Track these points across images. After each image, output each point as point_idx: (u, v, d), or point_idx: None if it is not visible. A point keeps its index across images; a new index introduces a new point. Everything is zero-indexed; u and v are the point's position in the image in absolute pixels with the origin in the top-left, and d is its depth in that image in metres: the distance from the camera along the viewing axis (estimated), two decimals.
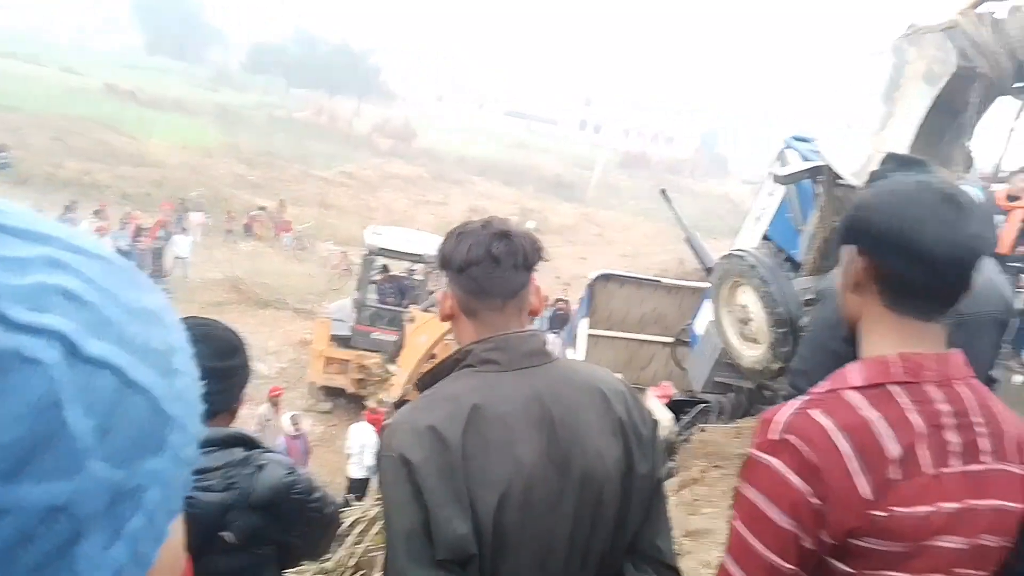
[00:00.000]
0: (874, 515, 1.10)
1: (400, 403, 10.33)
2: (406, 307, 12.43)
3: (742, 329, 4.60)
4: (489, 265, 1.41)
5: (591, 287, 7.04)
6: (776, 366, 4.36)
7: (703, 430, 5.07)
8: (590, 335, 7.08)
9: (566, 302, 16.72)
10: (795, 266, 4.96)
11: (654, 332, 7.17)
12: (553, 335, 16.00)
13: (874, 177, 2.47)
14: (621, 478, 1.42)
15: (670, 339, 6.73)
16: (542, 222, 29.48)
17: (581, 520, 1.38)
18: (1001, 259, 6.10)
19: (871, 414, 1.13)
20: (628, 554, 1.48)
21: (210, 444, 1.68)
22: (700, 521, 3.96)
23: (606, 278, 7.04)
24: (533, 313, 1.50)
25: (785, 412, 1.17)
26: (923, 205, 1.15)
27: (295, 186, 31.41)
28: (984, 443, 1.15)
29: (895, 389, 1.14)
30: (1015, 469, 1.17)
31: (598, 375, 1.52)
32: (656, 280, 7.41)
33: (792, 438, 1.12)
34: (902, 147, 4.07)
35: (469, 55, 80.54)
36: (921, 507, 1.11)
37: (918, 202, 1.16)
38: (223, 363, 1.74)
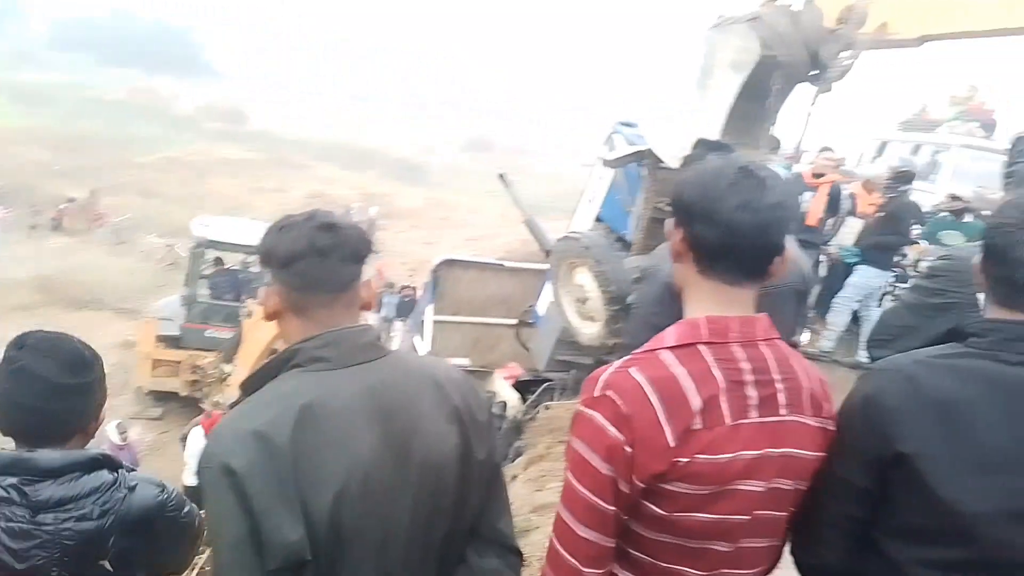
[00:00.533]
0: (677, 460, 1.22)
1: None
2: (242, 301, 11.81)
3: (580, 308, 4.77)
4: (315, 258, 1.35)
5: (436, 273, 7.03)
6: (612, 341, 4.56)
7: (548, 407, 5.23)
8: (436, 321, 7.08)
9: (413, 288, 16.64)
10: (626, 245, 5.20)
11: (500, 314, 7.29)
12: (400, 322, 15.91)
13: (687, 160, 2.64)
14: (459, 464, 1.43)
15: (515, 321, 6.86)
16: (387, 206, 29.05)
17: (421, 509, 1.38)
18: (810, 231, 6.73)
19: (679, 370, 1.25)
20: (470, 539, 1.50)
21: (74, 469, 1.56)
22: (547, 496, 4.09)
23: (450, 263, 7.06)
24: (365, 307, 1.46)
25: (607, 371, 1.29)
26: (725, 179, 1.27)
27: (111, 174, 28.81)
28: (782, 397, 1.28)
29: (703, 348, 1.27)
30: (808, 421, 1.31)
31: (434, 365, 1.52)
32: (500, 264, 7.53)
33: (610, 392, 1.24)
34: (715, 131, 4.36)
35: (306, 33, 77.35)
36: (721, 454, 1.23)
37: (720, 176, 1.28)
38: (75, 379, 1.62)
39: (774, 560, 1.39)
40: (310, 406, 1.29)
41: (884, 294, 7.23)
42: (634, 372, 1.25)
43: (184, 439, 9.16)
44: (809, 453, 1.31)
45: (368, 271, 1.50)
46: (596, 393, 1.26)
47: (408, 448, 1.36)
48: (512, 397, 5.97)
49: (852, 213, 7.16)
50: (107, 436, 9.08)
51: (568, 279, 4.88)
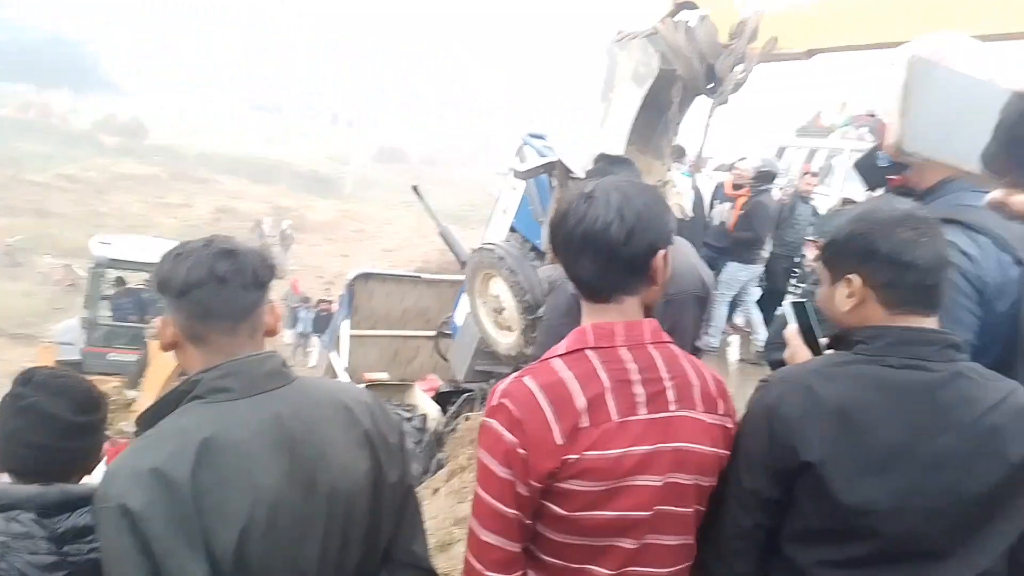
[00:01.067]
0: (567, 458, 1.28)
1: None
2: (147, 322, 11.31)
3: (496, 318, 4.81)
4: (214, 286, 1.32)
5: (351, 287, 6.94)
6: (529, 350, 4.62)
7: (468, 418, 5.24)
8: (353, 335, 6.98)
9: (329, 302, 16.36)
10: (540, 255, 5.28)
11: (417, 327, 7.25)
12: (317, 337, 15.58)
13: (589, 175, 2.72)
14: (371, 490, 1.42)
15: (433, 332, 6.84)
16: (299, 220, 28.46)
17: (331, 538, 1.36)
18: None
19: (566, 374, 1.32)
20: (384, 563, 1.50)
21: (86, 502, 1.50)
22: (468, 508, 4.09)
23: (366, 277, 6.98)
24: (270, 333, 1.44)
25: (504, 382, 1.37)
26: (570, 205, 1.38)
27: (2, 193, 27.11)
28: (671, 394, 1.35)
29: (590, 352, 1.35)
30: (701, 416, 1.38)
31: (342, 389, 1.51)
32: (416, 276, 7.50)
33: (505, 400, 1.32)
34: (620, 142, 4.50)
35: (207, 44, 74.83)
36: (611, 450, 1.30)
37: (567, 202, 1.39)
38: (87, 418, 1.60)
39: (688, 558, 1.43)
40: (211, 440, 1.25)
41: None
42: (527, 380, 1.33)
43: None
44: (706, 448, 1.37)
45: (273, 295, 1.49)
46: (494, 403, 1.34)
47: (316, 478, 1.34)
48: (432, 409, 5.96)
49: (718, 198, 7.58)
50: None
51: (484, 290, 4.91)
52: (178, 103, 67.98)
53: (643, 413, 1.32)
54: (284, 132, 60.02)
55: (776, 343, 2.38)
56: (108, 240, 12.83)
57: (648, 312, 1.42)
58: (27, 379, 1.60)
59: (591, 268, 1.36)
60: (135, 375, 10.49)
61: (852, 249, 1.40)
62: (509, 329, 4.77)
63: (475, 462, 4.48)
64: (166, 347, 1.41)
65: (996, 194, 1.34)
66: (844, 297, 1.41)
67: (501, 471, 1.30)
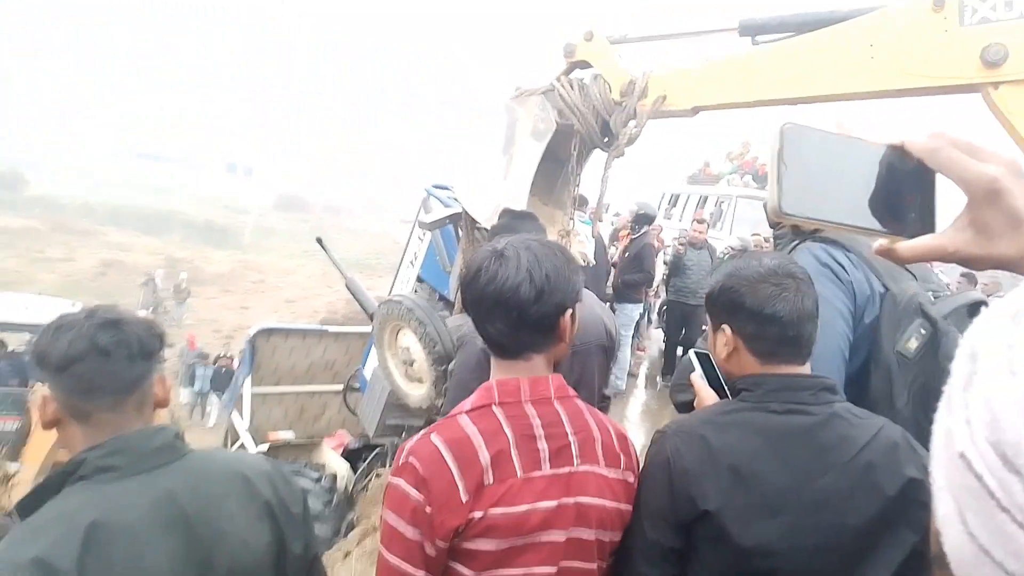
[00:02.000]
0: (473, 516, 1.30)
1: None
2: (29, 386, 10.53)
3: (407, 370, 4.78)
4: (96, 359, 1.28)
5: (252, 343, 6.72)
6: (439, 402, 4.61)
7: (379, 475, 5.14)
8: (255, 393, 6.74)
9: (229, 358, 15.71)
10: (448, 305, 5.31)
11: (325, 381, 7.08)
12: (216, 396, 14.89)
13: (494, 230, 2.79)
14: (274, 563, 1.39)
15: (341, 387, 6.71)
16: (195, 272, 27.32)
17: None
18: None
19: (471, 430, 1.34)
20: None
21: None
22: None
23: (268, 332, 6.78)
24: (160, 405, 1.40)
25: (412, 440, 1.38)
26: (481, 264, 1.43)
27: None
28: (574, 449, 1.39)
29: (496, 409, 1.38)
30: (603, 471, 1.41)
31: (240, 459, 1.47)
32: (322, 329, 7.34)
33: (411, 459, 1.32)
34: (522, 193, 4.63)
35: (85, 91, 71.63)
36: (516, 506, 1.32)
37: (479, 261, 1.44)
38: None
39: None
40: (99, 524, 1.19)
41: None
42: (433, 437, 1.34)
43: None
44: (607, 503, 1.40)
45: (166, 354, 1.44)
46: (401, 461, 1.35)
47: (213, 557, 1.29)
48: (342, 467, 5.82)
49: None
50: None
51: (393, 342, 4.89)
52: (60, 152, 64.63)
53: (547, 469, 1.34)
54: (174, 180, 57.93)
55: (680, 384, 2.50)
56: None
57: (556, 367, 1.46)
58: None
59: (501, 327, 1.39)
60: (16, 444, 9.72)
61: (722, 302, 1.52)
62: (420, 381, 4.76)
63: None
64: (47, 425, 1.35)
65: (882, 241, 1.48)
66: (721, 345, 1.52)
67: (408, 531, 1.30)
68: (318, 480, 5.47)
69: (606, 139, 4.75)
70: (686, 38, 4.53)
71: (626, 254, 7.35)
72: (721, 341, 1.51)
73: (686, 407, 2.51)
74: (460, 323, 5.02)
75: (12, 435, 10.08)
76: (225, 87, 70.89)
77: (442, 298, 5.48)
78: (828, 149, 0.77)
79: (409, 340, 4.72)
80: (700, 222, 8.71)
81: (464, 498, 1.29)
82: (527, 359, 1.41)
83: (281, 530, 1.41)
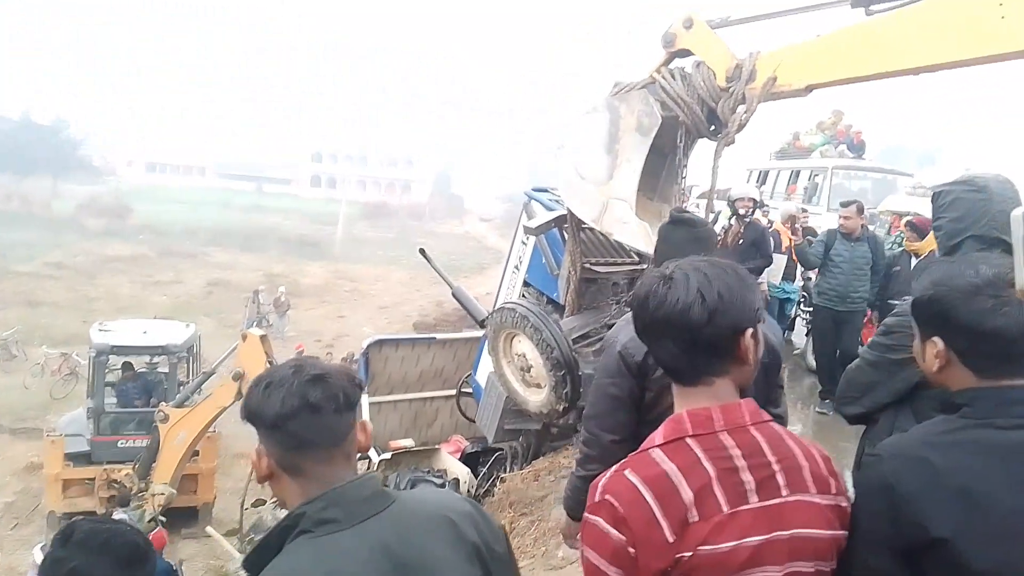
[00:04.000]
0: (680, 556, 1.23)
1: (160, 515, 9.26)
2: (154, 406, 11.18)
3: (524, 376, 4.79)
4: (308, 416, 1.29)
5: (366, 355, 6.91)
6: (561, 406, 4.59)
7: (503, 479, 5.17)
8: (371, 403, 6.93)
9: None
10: (557, 308, 5.29)
11: (435, 387, 7.22)
12: None
13: (660, 234, 2.70)
14: None
15: (451, 392, 6.81)
16: (292, 285, 28.36)
17: None
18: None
19: (668, 466, 1.28)
20: None
21: None
22: None
23: (380, 343, 6.95)
24: (362, 450, 1.42)
25: (605, 476, 1.33)
26: (649, 288, 1.37)
27: None
28: (780, 478, 1.30)
29: (690, 441, 1.30)
30: (814, 499, 1.32)
31: (443, 502, 1.48)
32: (431, 337, 7.48)
33: (608, 497, 1.28)
34: (630, 192, 4.55)
35: (178, 118, 75.59)
36: (724, 543, 1.24)
37: (647, 285, 1.37)
38: (131, 574, 1.54)
39: None
40: None
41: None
42: (628, 473, 1.29)
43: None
44: (823, 532, 1.31)
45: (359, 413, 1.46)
46: (596, 499, 1.30)
47: None
48: (463, 472, 5.90)
49: (778, 250, 7.52)
50: (33, 560, 8.51)
51: (508, 350, 4.90)
52: (160, 179, 68.50)
53: (754, 501, 1.27)
54: (266, 199, 60.34)
55: (848, 396, 2.37)
56: (108, 327, 12.74)
57: (743, 392, 1.39)
58: (66, 538, 1.54)
59: (674, 351, 1.34)
60: (146, 462, 10.32)
61: (932, 314, 1.41)
62: (538, 386, 4.75)
63: (517, 525, 4.44)
64: (261, 479, 1.39)
65: None
66: (931, 357, 1.41)
67: (611, 570, 1.26)
68: (441, 486, 5.57)
69: (712, 128, 4.62)
70: (793, 15, 4.34)
71: (739, 241, 6.85)
72: (931, 353, 1.41)
73: (859, 420, 2.38)
74: (573, 325, 5.00)
75: (143, 451, 10.70)
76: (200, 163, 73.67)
77: (550, 301, 5.47)
78: None
79: (525, 347, 4.72)
80: (847, 206, 6.71)
81: (670, 538, 1.23)
82: (709, 384, 1.34)
83: (489, 571, 1.40)
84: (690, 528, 1.23)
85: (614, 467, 1.35)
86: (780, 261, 7.67)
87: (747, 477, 1.28)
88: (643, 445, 1.36)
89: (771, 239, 7.19)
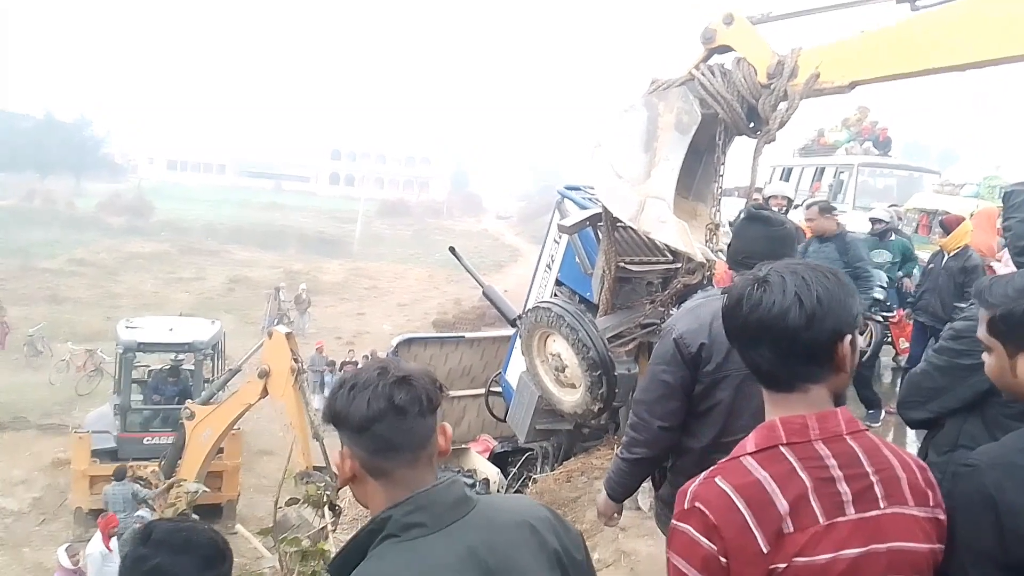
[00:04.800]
0: (775, 567, 1.19)
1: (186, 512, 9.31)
2: (180, 403, 11.26)
3: (558, 376, 4.75)
4: (395, 418, 1.27)
5: (395, 353, 6.90)
6: (596, 407, 4.55)
7: (535, 480, 5.14)
8: None
9: (355, 363, 16.27)
10: (591, 307, 5.24)
11: (463, 386, 7.20)
12: None
13: (734, 231, 2.67)
14: None
15: (479, 391, 6.78)
16: (311, 282, 28.45)
17: None
18: None
19: (762, 474, 1.24)
20: None
21: None
22: None
23: (408, 342, 6.95)
24: (442, 455, 1.39)
25: (694, 483, 1.29)
26: (743, 291, 1.32)
27: (14, 283, 27.27)
28: (878, 489, 1.26)
29: (784, 449, 1.26)
30: (912, 511, 1.28)
31: (522, 507, 1.46)
32: (459, 336, 7.46)
33: (698, 504, 1.24)
34: (668, 191, 4.49)
35: (198, 116, 76.15)
36: (820, 555, 1.20)
37: (740, 288, 1.33)
38: (213, 573, 1.56)
39: None
40: None
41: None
42: (719, 481, 1.26)
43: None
44: (921, 545, 1.27)
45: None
46: (686, 506, 1.27)
47: None
48: (493, 472, 5.88)
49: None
50: (58, 561, 8.56)
51: (542, 349, 4.87)
52: (181, 177, 69.11)
53: (851, 513, 1.23)
54: (285, 196, 60.69)
55: (912, 401, 2.31)
56: (134, 323, 12.85)
57: (838, 401, 1.35)
58: (147, 536, 1.55)
59: (770, 356, 1.29)
60: (171, 459, 10.39)
61: None
62: (573, 387, 4.71)
63: None
64: (344, 482, 1.37)
65: None
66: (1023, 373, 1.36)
67: None
68: (472, 486, 5.55)
69: (752, 125, 4.55)
70: (836, 11, 4.27)
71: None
72: (1023, 368, 1.35)
73: (923, 424, 2.33)
74: (608, 325, 4.96)
75: (169, 448, 10.77)
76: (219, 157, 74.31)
77: (583, 300, 5.42)
78: None
79: (560, 346, 4.68)
80: (810, 207, 6.46)
81: (764, 549, 1.19)
82: (804, 391, 1.30)
83: None
84: (785, 539, 1.20)
85: (703, 474, 1.31)
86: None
87: (844, 488, 1.24)
88: (734, 452, 1.33)
89: (799, 238, 7.06)
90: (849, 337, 1.29)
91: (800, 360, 1.28)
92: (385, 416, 1.27)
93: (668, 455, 2.62)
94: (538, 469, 5.46)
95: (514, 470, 5.74)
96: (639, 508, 4.44)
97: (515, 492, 5.53)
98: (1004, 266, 6.37)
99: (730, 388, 2.38)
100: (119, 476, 10.30)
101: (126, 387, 12.04)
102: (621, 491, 2.76)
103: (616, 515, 2.85)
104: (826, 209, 6.50)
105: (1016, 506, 1.24)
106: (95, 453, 11.36)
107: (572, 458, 5.34)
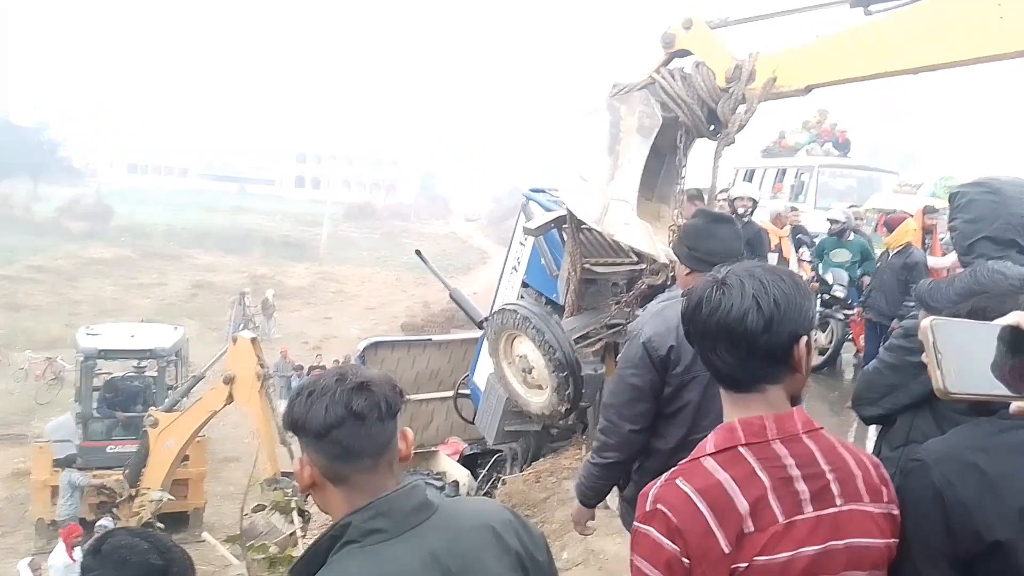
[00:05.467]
0: (736, 567, 1.22)
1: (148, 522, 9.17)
2: (143, 411, 11.07)
3: (525, 378, 4.77)
4: (353, 424, 1.28)
5: (362, 358, 6.87)
6: (563, 407, 4.58)
7: (504, 481, 5.16)
8: None
9: (322, 367, 16.15)
10: (556, 308, 5.28)
11: (431, 389, 7.18)
12: None
13: (699, 232, 2.69)
14: None
15: (448, 394, 6.78)
16: (277, 287, 28.19)
17: None
18: None
19: (722, 476, 1.26)
20: None
21: None
22: None
23: (376, 346, 6.92)
24: (404, 459, 1.40)
25: (656, 485, 1.30)
26: (703, 293, 1.34)
27: None
28: (835, 488, 1.29)
29: (743, 450, 1.29)
30: (867, 508, 1.31)
31: (484, 510, 1.47)
32: (427, 339, 7.45)
33: (661, 506, 1.26)
34: (631, 193, 4.54)
35: (159, 118, 74.65)
36: (780, 554, 1.23)
37: (700, 291, 1.35)
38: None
39: None
40: None
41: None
42: (680, 483, 1.28)
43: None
44: (877, 541, 1.31)
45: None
46: (648, 508, 1.29)
47: None
48: (463, 474, 5.88)
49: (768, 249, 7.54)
50: (19, 575, 8.39)
51: (509, 350, 4.88)
52: (142, 181, 67.81)
53: (809, 511, 1.26)
54: (250, 200, 59.92)
55: (867, 398, 2.37)
56: (95, 330, 12.61)
57: (795, 401, 1.37)
58: (97, 548, 1.58)
59: (729, 359, 1.31)
60: (136, 468, 10.23)
61: None
62: (540, 388, 4.74)
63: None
64: (304, 489, 1.38)
65: (1020, 404, 1.26)
66: None
67: None
68: (441, 489, 5.55)
69: (712, 128, 4.63)
70: (792, 15, 4.36)
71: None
72: None
73: (877, 420, 2.39)
74: (574, 326, 5.00)
75: (133, 457, 10.59)
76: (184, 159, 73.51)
77: (550, 302, 5.46)
78: (966, 335, 0.95)
79: (526, 348, 4.70)
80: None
81: (726, 550, 1.21)
82: (762, 392, 1.32)
83: None
84: (746, 539, 1.22)
85: (664, 475, 1.33)
86: (771, 260, 7.74)
87: (802, 487, 1.27)
88: (694, 453, 1.35)
89: (767, 239, 7.22)
90: (805, 339, 1.32)
91: (759, 361, 1.30)
92: (343, 422, 1.27)
93: (637, 458, 2.65)
94: (507, 470, 5.48)
95: (484, 472, 5.75)
96: (607, 507, 4.48)
97: (485, 494, 5.55)
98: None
99: (698, 389, 2.42)
100: (67, 463, 10.29)
101: (87, 395, 11.81)
102: (593, 496, 2.80)
103: (591, 520, 2.89)
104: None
105: (963, 500, 1.27)
106: (57, 462, 11.13)
107: (541, 459, 5.38)
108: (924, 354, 1.20)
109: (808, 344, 1.32)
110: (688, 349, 2.33)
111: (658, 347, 2.42)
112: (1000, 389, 0.93)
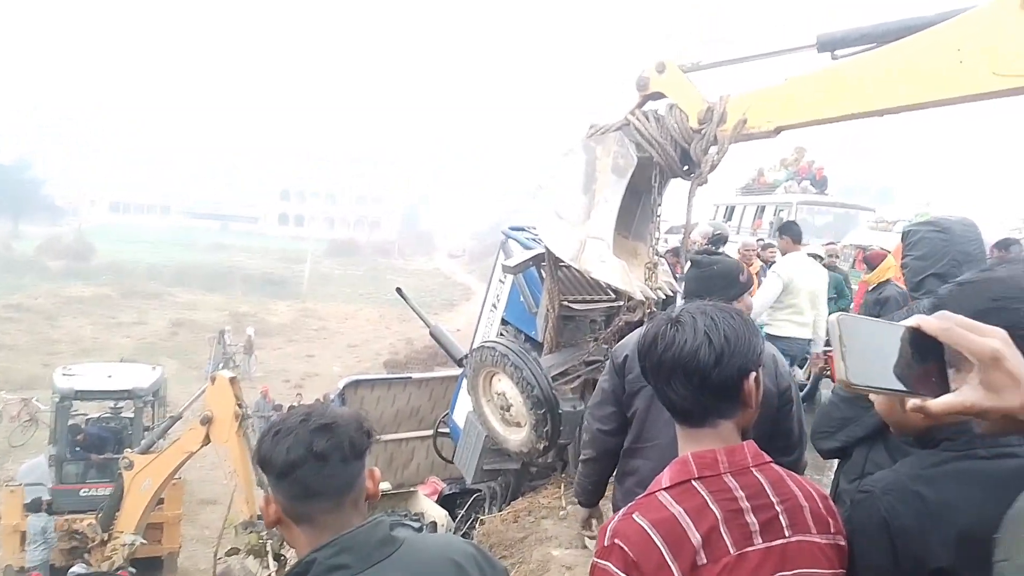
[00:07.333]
0: None
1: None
2: (119, 452, 10.86)
3: (504, 415, 4.77)
4: (314, 465, 1.30)
5: (342, 396, 6.82)
6: (541, 445, 4.58)
7: (482, 522, 5.11)
8: None
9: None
10: (536, 346, 5.29)
11: (411, 428, 7.13)
12: None
13: (694, 262, 2.88)
14: None
15: (428, 432, 6.73)
16: (259, 324, 27.98)
17: None
18: None
19: (676, 509, 1.30)
20: None
21: None
22: None
23: (355, 384, 6.87)
24: (371, 497, 1.42)
25: (614, 520, 1.34)
26: (657, 330, 1.42)
27: None
28: (783, 519, 1.33)
29: (696, 484, 1.33)
30: (815, 539, 1.35)
31: (448, 545, 1.50)
32: (407, 377, 7.41)
33: (617, 540, 1.29)
34: (607, 232, 4.61)
35: (141, 157, 74.72)
36: None
37: (655, 328, 1.42)
38: None
39: None
40: None
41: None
42: (637, 517, 1.31)
43: None
44: (825, 571, 1.34)
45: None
46: (606, 543, 1.32)
47: None
48: (440, 515, 5.82)
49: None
50: None
51: (487, 388, 4.88)
52: (123, 219, 67.51)
53: (759, 543, 1.30)
54: (231, 237, 59.75)
55: (824, 431, 2.40)
56: (72, 371, 12.42)
57: (745, 435, 1.42)
58: None
59: (683, 393, 1.36)
60: (110, 511, 9.99)
61: None
62: (518, 425, 4.73)
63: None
64: (269, 525, 1.40)
65: (915, 401, 1.35)
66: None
67: None
68: (419, 530, 5.47)
69: (686, 168, 4.72)
70: (761, 60, 4.49)
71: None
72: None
73: (835, 453, 2.42)
74: (552, 363, 5.01)
75: (107, 500, 10.36)
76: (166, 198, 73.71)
77: (529, 339, 5.47)
78: (873, 332, 1.00)
79: (505, 385, 4.71)
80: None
81: None
82: (714, 426, 1.38)
83: None
84: (699, 571, 1.26)
85: (622, 510, 1.37)
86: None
87: (751, 519, 1.31)
88: (650, 487, 1.39)
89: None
90: (754, 374, 1.37)
91: (711, 395, 1.36)
92: (304, 463, 1.30)
93: (615, 461, 2.82)
94: (486, 510, 5.43)
95: (462, 512, 5.69)
96: (585, 547, 4.45)
97: (463, 535, 5.48)
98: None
99: (645, 399, 2.59)
100: (34, 508, 10.06)
101: (62, 437, 11.59)
102: (582, 493, 3.06)
103: (595, 520, 3.12)
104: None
105: (908, 529, 1.31)
106: (28, 507, 10.86)
107: (520, 497, 5.33)
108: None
109: (757, 380, 1.38)
110: None
111: (618, 355, 2.71)
112: (898, 385, 0.98)
